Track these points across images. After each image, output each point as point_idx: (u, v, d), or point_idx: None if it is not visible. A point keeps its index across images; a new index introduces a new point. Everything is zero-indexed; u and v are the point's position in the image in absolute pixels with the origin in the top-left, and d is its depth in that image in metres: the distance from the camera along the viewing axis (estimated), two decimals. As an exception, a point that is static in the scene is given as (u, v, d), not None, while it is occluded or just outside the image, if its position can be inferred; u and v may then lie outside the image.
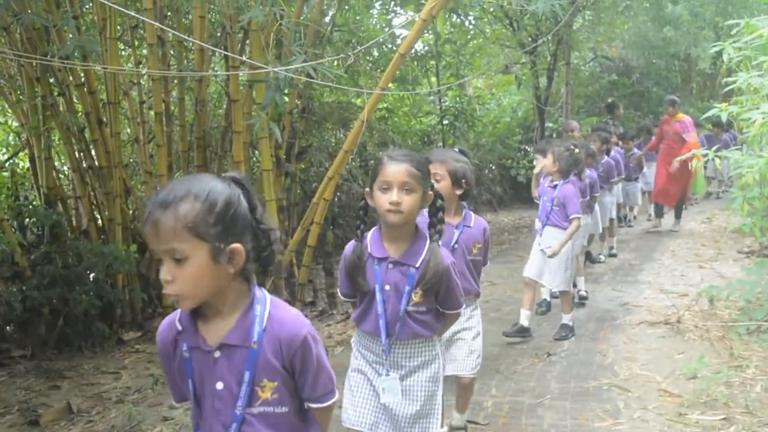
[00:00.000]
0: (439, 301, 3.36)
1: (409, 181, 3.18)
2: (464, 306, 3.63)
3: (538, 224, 7.21)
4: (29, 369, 6.76)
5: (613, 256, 10.89)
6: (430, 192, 3.30)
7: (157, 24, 6.95)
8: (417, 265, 3.24)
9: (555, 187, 7.05)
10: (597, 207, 9.10)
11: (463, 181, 4.31)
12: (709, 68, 21.02)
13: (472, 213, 4.56)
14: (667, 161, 12.15)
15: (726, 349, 6.38)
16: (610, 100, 15.29)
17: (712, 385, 5.45)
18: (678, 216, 13.31)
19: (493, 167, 16.01)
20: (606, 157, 10.10)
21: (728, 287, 7.19)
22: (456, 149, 4.55)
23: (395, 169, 3.20)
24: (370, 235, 3.36)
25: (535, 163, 7.97)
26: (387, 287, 3.27)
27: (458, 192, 4.32)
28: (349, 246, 3.36)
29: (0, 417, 5.69)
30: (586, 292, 8.33)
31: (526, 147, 16.02)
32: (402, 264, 3.25)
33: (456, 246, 4.33)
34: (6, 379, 6.56)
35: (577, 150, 7.17)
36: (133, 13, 7.17)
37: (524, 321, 7.00)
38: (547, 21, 12.69)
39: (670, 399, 5.39)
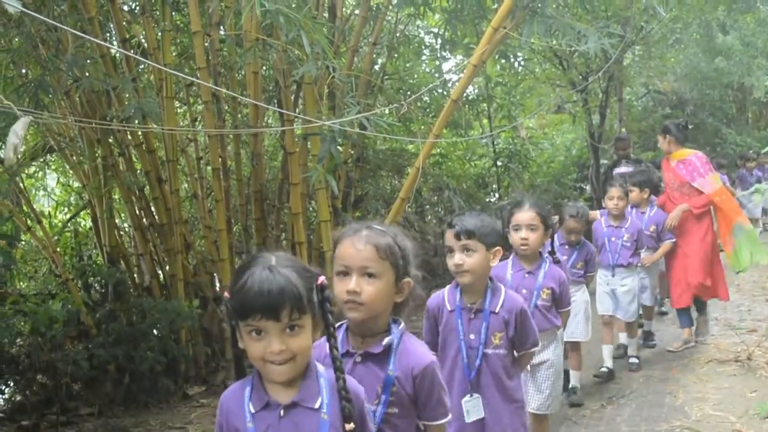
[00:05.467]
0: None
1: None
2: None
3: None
4: (97, 427, 6.83)
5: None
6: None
7: (211, 85, 7.08)
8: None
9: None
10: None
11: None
12: (764, 97, 20.74)
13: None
14: (676, 233, 7.70)
15: (800, 385, 6.22)
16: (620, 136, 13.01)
17: (788, 424, 5.31)
18: (703, 311, 8.12)
19: (550, 207, 15.91)
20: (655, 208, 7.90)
21: (798, 322, 6.95)
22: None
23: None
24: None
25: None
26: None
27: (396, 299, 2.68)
28: None
29: (70, 476, 5.75)
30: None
31: (582, 185, 15.90)
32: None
33: None
34: (75, 437, 6.64)
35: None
36: (186, 75, 7.31)
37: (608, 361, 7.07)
38: (598, 58, 12.65)
39: (745, 440, 5.26)
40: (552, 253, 4.86)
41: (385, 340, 2.58)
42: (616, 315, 7.18)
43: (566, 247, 6.46)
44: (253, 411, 2.22)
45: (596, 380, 6.88)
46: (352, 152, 9.57)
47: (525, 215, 4.56)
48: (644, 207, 7.87)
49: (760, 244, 7.88)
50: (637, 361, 7.32)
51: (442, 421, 2.67)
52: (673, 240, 7.66)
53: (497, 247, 3.63)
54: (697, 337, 7.90)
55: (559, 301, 4.69)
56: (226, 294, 2.20)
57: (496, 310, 3.65)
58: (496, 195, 14.19)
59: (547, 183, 15.84)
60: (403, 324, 2.68)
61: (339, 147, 6.92)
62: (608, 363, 7.03)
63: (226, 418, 2.27)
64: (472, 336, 3.63)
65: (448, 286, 3.79)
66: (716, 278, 7.79)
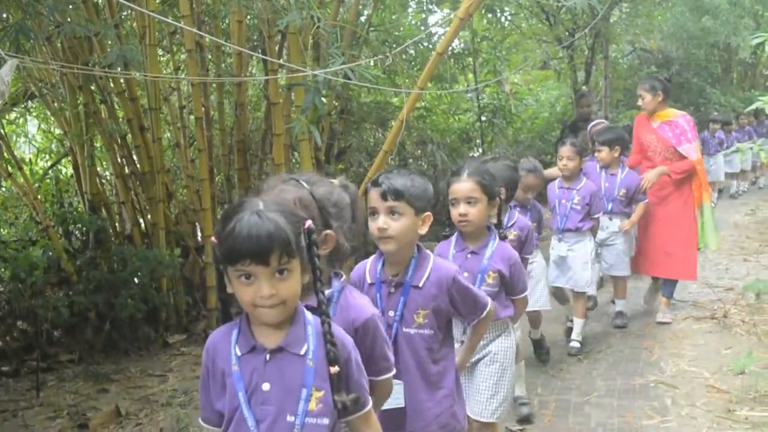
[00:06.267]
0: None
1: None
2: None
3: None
4: (77, 373, 6.85)
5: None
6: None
7: (195, 30, 7.01)
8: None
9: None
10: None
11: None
12: (749, 58, 20.75)
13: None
14: (653, 198, 7.23)
15: (774, 343, 6.32)
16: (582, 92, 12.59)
17: (760, 381, 5.40)
18: (670, 293, 7.51)
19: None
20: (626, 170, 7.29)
21: (775, 280, 7.04)
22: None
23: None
24: None
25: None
26: None
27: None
28: None
29: (50, 421, 5.78)
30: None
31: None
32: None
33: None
34: (55, 383, 6.66)
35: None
36: (171, 20, 7.23)
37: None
38: (584, 15, 12.60)
39: (719, 395, 5.35)
40: (498, 226, 4.01)
41: (326, 293, 2.35)
42: (560, 284, 6.66)
43: (518, 209, 5.52)
44: (239, 354, 2.21)
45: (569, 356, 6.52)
46: (336, 104, 9.53)
47: (462, 186, 3.78)
48: (614, 168, 7.13)
49: (715, 225, 7.40)
50: (578, 346, 6.55)
51: (386, 376, 2.58)
52: (647, 201, 7.14)
53: (427, 213, 3.14)
54: (644, 303, 7.71)
55: (510, 287, 3.91)
56: (213, 239, 2.18)
57: (420, 284, 3.17)
58: (480, 150, 14.18)
59: (531, 139, 15.87)
60: (344, 277, 2.59)
61: (323, 98, 6.88)
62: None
63: (212, 360, 2.27)
64: (391, 313, 3.19)
65: (372, 256, 3.37)
66: (691, 252, 7.32)
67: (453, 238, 3.96)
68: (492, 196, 3.81)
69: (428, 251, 3.31)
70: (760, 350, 6.11)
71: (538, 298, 5.87)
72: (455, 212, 3.81)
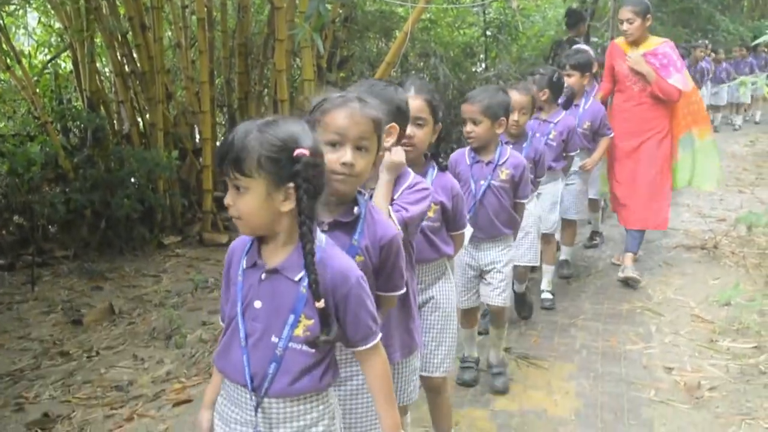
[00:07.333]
0: None
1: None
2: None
3: None
4: (72, 269, 6.93)
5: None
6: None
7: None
8: None
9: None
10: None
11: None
12: (762, -15, 20.44)
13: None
14: (628, 134, 6.43)
15: (762, 276, 6.40)
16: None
17: (745, 313, 5.49)
18: (636, 247, 6.56)
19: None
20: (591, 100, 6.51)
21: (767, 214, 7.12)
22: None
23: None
24: None
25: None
26: None
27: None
28: None
29: (44, 315, 5.87)
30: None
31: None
32: None
33: None
34: (50, 278, 6.74)
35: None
36: None
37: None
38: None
39: (702, 325, 5.43)
40: (436, 156, 3.35)
41: (355, 210, 2.41)
42: None
43: (509, 144, 4.70)
44: (244, 267, 2.22)
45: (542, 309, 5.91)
46: (341, 11, 9.40)
47: (412, 104, 3.06)
48: (578, 98, 6.38)
49: (714, 160, 6.65)
50: (551, 297, 5.95)
51: (399, 292, 2.55)
52: (611, 135, 6.39)
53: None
54: (622, 273, 6.39)
55: (452, 221, 3.38)
56: None
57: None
58: (483, 65, 14.04)
59: (535, 57, 15.68)
60: (368, 194, 2.54)
61: (327, 5, 6.79)
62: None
63: (229, 265, 2.30)
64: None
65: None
66: (661, 199, 6.49)
67: None
68: (438, 120, 3.28)
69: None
70: (747, 282, 6.19)
71: (524, 252, 5.11)
72: None
